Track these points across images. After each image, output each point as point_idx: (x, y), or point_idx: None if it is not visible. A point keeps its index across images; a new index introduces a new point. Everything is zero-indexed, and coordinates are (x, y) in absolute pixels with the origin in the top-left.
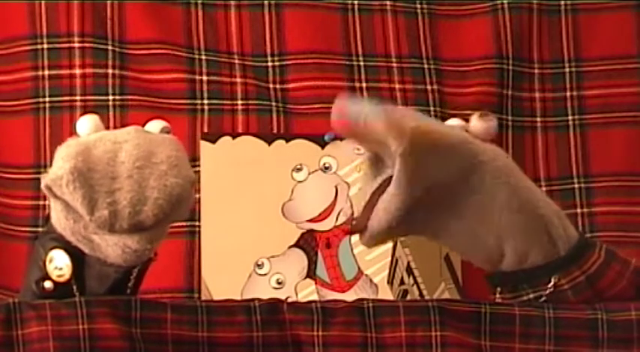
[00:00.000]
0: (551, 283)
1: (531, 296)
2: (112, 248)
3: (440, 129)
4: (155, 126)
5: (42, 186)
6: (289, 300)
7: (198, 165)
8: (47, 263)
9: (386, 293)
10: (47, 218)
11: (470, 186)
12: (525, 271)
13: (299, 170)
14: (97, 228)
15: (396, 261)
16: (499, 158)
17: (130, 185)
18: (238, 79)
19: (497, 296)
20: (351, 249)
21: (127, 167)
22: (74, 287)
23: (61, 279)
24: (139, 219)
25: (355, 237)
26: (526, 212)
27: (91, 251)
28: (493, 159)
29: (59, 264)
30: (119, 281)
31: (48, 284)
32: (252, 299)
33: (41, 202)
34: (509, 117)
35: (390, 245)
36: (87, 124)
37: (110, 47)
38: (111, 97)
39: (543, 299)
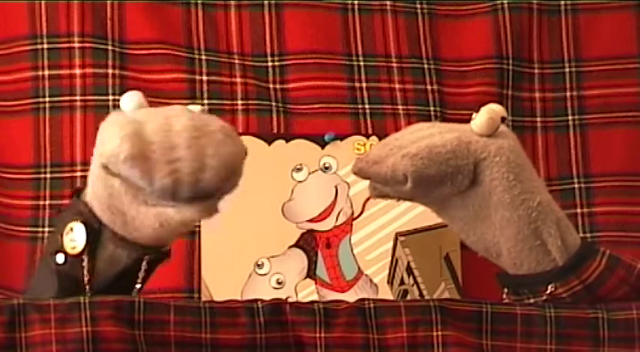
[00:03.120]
0: (548, 291)
1: (532, 301)
2: (151, 220)
3: (432, 151)
4: (193, 107)
5: (98, 165)
6: (290, 300)
7: None
8: (64, 235)
9: (386, 293)
10: (76, 192)
11: (474, 179)
12: (524, 277)
13: (299, 170)
14: (159, 198)
15: (396, 261)
16: (502, 154)
17: (190, 154)
18: (238, 79)
19: (505, 296)
20: (351, 249)
21: (185, 137)
22: (84, 262)
23: (74, 251)
24: (201, 187)
25: (355, 237)
26: (518, 213)
27: (122, 225)
28: (494, 156)
29: (75, 237)
30: (128, 270)
31: (60, 257)
32: (255, 300)
33: (41, 202)
34: (509, 117)
35: (390, 245)
36: (132, 100)
37: (110, 47)
38: (111, 97)
39: None
